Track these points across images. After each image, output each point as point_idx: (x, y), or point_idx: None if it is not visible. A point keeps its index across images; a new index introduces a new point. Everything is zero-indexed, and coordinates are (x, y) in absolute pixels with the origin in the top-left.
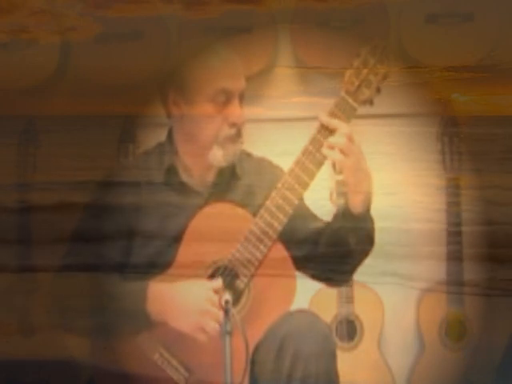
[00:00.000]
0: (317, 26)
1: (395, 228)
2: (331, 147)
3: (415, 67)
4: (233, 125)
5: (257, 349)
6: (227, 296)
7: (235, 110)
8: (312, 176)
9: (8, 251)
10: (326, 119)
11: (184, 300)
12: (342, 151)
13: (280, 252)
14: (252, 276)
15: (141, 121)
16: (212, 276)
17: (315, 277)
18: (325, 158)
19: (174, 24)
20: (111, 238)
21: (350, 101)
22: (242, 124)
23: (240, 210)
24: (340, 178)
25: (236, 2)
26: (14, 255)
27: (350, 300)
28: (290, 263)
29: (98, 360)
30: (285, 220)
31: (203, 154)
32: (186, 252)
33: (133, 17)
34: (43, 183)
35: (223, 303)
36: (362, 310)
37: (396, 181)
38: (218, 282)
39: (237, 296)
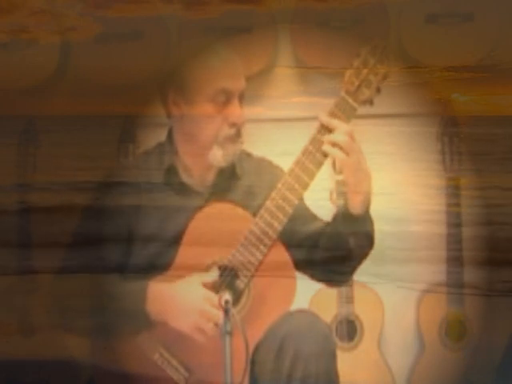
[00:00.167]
0: (317, 26)
1: (395, 229)
2: (332, 144)
3: (415, 67)
4: (233, 125)
5: (257, 349)
6: (227, 296)
7: (235, 110)
8: (312, 176)
9: (8, 253)
10: (326, 119)
11: (183, 300)
12: (342, 149)
13: (280, 252)
14: (252, 276)
15: (141, 121)
16: (212, 276)
17: (315, 277)
18: (325, 158)
19: (174, 24)
20: (111, 239)
21: (350, 101)
22: (241, 124)
23: (240, 210)
24: (340, 177)
25: (236, 1)
26: (14, 257)
27: (350, 300)
28: (290, 263)
29: (97, 360)
30: (285, 220)
31: (203, 154)
32: (185, 252)
33: (133, 17)
34: (43, 183)
35: (223, 303)
36: (361, 309)
37: (396, 181)
38: (216, 282)
39: (237, 296)
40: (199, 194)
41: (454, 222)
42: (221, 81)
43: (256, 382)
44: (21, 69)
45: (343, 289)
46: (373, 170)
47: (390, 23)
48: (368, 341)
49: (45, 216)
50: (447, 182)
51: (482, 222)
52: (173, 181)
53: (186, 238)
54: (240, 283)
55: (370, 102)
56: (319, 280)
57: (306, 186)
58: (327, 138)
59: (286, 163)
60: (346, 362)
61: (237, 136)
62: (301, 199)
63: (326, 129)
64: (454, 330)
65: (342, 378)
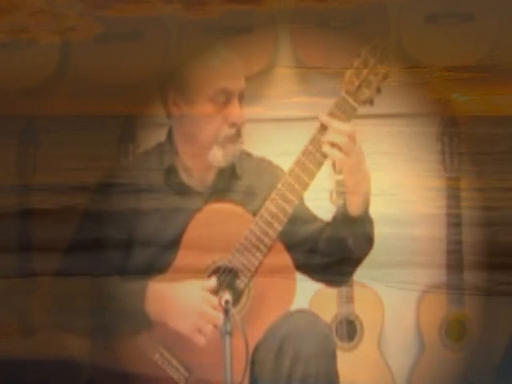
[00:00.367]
0: (317, 26)
1: (394, 230)
2: (331, 145)
3: (415, 67)
4: (232, 125)
5: (257, 349)
6: (227, 296)
7: (235, 110)
8: (312, 176)
9: (8, 255)
10: (325, 119)
11: (182, 301)
12: (342, 150)
13: (280, 252)
14: (252, 276)
15: (141, 121)
16: (212, 276)
17: (314, 277)
18: (325, 158)
19: (174, 24)
20: (111, 239)
21: (351, 101)
22: (241, 124)
23: (240, 210)
24: (340, 177)
25: (236, 1)
26: (14, 259)
27: (350, 300)
28: (290, 263)
29: (97, 360)
30: (285, 220)
31: (203, 154)
32: (185, 252)
33: (133, 17)
34: (43, 184)
35: (223, 303)
36: (361, 309)
37: (396, 181)
38: (215, 283)
39: (237, 296)
40: (199, 194)
41: (454, 222)
42: (221, 81)
43: (256, 381)
44: (21, 69)
45: (343, 289)
46: (373, 170)
47: (390, 23)
48: (368, 341)
49: (45, 217)
50: (447, 181)
51: (482, 222)
52: (173, 181)
53: (185, 238)
54: (240, 283)
55: (371, 102)
56: (319, 280)
57: (306, 186)
58: (326, 138)
59: (286, 163)
60: (346, 362)
61: (237, 136)
62: (301, 199)
63: (326, 129)
64: (454, 330)
65: (342, 378)
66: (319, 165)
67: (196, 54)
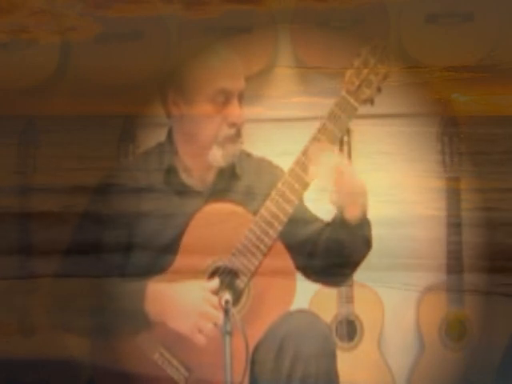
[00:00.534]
0: (317, 26)
1: (394, 231)
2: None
3: (415, 67)
4: (232, 125)
5: (257, 348)
6: (227, 296)
7: (234, 110)
8: (312, 176)
9: (7, 256)
10: (312, 153)
11: (182, 301)
12: (333, 184)
13: (280, 252)
14: (252, 276)
15: (141, 121)
16: (212, 276)
17: (313, 278)
18: None
19: (174, 24)
20: (111, 239)
21: (351, 100)
22: (241, 124)
23: (240, 210)
24: None
25: (236, 1)
26: (14, 261)
27: (349, 300)
28: (290, 263)
29: (97, 360)
30: (285, 220)
31: (203, 154)
32: (185, 252)
33: (133, 17)
34: (43, 184)
35: (223, 303)
36: (361, 309)
37: (396, 181)
38: (215, 283)
39: (237, 296)
40: (199, 194)
41: (454, 222)
42: (220, 81)
43: (256, 381)
44: (21, 69)
45: (343, 289)
46: (373, 170)
47: (390, 23)
48: (368, 341)
49: (44, 217)
50: (447, 181)
51: (482, 223)
52: (173, 181)
53: (185, 238)
54: (240, 283)
55: (371, 102)
56: (317, 281)
57: (306, 186)
58: (315, 173)
59: (286, 163)
60: (346, 362)
61: (236, 136)
62: (301, 199)
63: (327, 129)
64: (454, 330)
65: (341, 378)
66: None
67: (196, 54)
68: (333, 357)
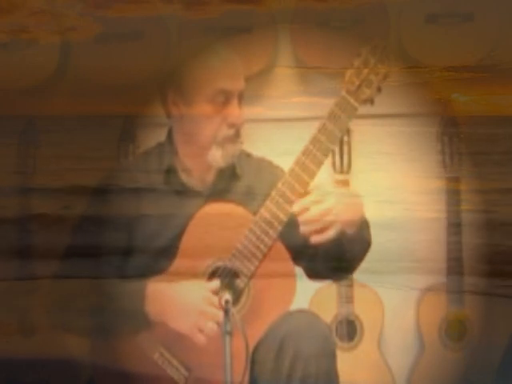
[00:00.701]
0: (317, 26)
1: (394, 233)
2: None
3: (415, 67)
4: (232, 125)
5: (257, 348)
6: (227, 296)
7: (234, 111)
8: (312, 176)
9: (7, 258)
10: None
11: (182, 300)
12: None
13: (280, 252)
14: (252, 275)
15: (141, 121)
16: (212, 276)
17: (313, 276)
18: (325, 157)
19: (174, 24)
20: (111, 240)
21: (351, 100)
22: (240, 124)
23: (240, 210)
24: (340, 177)
25: (236, 1)
26: (13, 261)
27: (349, 300)
28: (289, 263)
29: (97, 360)
30: (285, 220)
31: (203, 155)
32: (185, 253)
33: (133, 17)
34: (43, 184)
35: (223, 303)
36: (361, 310)
37: (396, 181)
38: (215, 283)
39: (237, 295)
40: (199, 194)
41: (454, 222)
42: (220, 81)
43: (256, 381)
44: (21, 69)
45: (343, 289)
46: (373, 170)
47: (390, 23)
48: (368, 341)
49: (44, 218)
50: (447, 181)
51: (482, 223)
52: (172, 181)
53: (185, 239)
54: (240, 283)
55: (371, 102)
56: (317, 278)
57: (306, 186)
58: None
59: (286, 163)
60: (346, 362)
61: (236, 136)
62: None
63: (327, 129)
64: (454, 330)
65: (341, 378)
66: (320, 164)
67: (196, 54)
68: (333, 357)
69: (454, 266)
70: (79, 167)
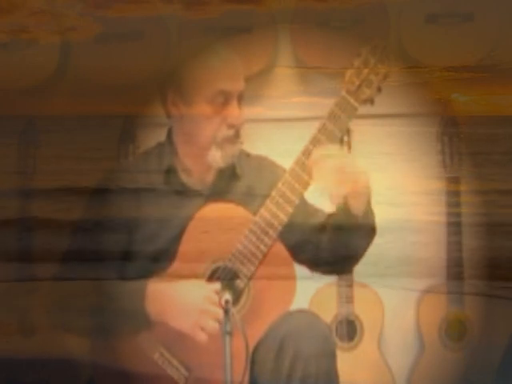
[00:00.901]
0: (317, 26)
1: (393, 236)
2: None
3: (415, 67)
4: (231, 126)
5: (257, 348)
6: (227, 296)
7: (234, 111)
8: (312, 175)
9: (7, 258)
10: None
11: (183, 299)
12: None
13: (280, 252)
14: (252, 276)
15: (141, 121)
16: (212, 276)
17: (319, 269)
18: None
19: (174, 24)
20: (110, 238)
21: (351, 100)
22: (240, 125)
23: (240, 210)
24: None
25: (236, 1)
26: (14, 263)
27: (349, 300)
28: (290, 263)
29: (98, 359)
30: (285, 220)
31: (202, 155)
32: (185, 252)
33: (133, 17)
34: (43, 184)
35: (223, 303)
36: (361, 310)
37: (396, 181)
38: (215, 283)
39: (237, 295)
40: (199, 194)
41: (454, 222)
42: (219, 82)
43: (256, 381)
44: (21, 69)
45: (343, 289)
46: (373, 170)
47: (390, 23)
48: (368, 341)
49: (44, 218)
50: (447, 181)
51: (482, 223)
52: (172, 181)
53: (185, 239)
54: (240, 283)
55: (371, 102)
56: (323, 272)
57: (306, 186)
58: (317, 174)
59: (286, 163)
60: (346, 362)
61: (235, 137)
62: (301, 199)
63: (327, 129)
64: (454, 330)
65: (341, 378)
66: None
67: (196, 54)
68: (333, 357)
69: (454, 267)
70: (79, 167)
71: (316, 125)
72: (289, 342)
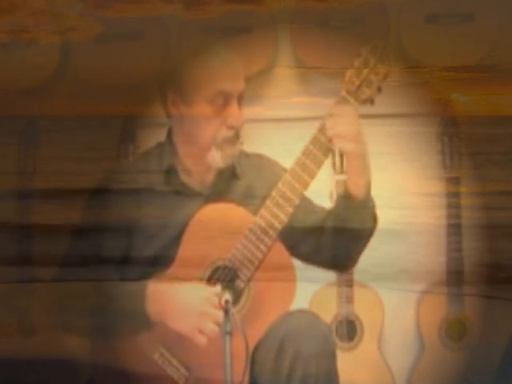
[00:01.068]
0: (317, 26)
1: (393, 238)
2: (341, 137)
3: (415, 67)
4: (231, 127)
5: (257, 348)
6: (227, 296)
7: (234, 112)
8: (313, 175)
9: (7, 259)
10: (334, 109)
11: (183, 301)
12: (351, 140)
13: (280, 252)
14: (252, 276)
15: (141, 121)
16: (212, 276)
17: (322, 265)
18: (326, 157)
19: (174, 24)
20: (111, 238)
21: (351, 100)
22: (240, 126)
23: (240, 210)
24: (340, 177)
25: (236, 1)
26: (14, 265)
27: (349, 300)
28: (290, 263)
29: (98, 359)
30: (285, 219)
31: (202, 155)
32: (185, 253)
33: (133, 17)
34: (43, 184)
35: (223, 303)
36: (361, 310)
37: (396, 181)
38: (215, 283)
39: (237, 296)
40: (199, 194)
41: (454, 222)
42: (219, 82)
43: (256, 381)
44: (21, 69)
45: (343, 289)
46: (373, 170)
47: (390, 23)
48: (368, 341)
49: (44, 218)
50: (447, 181)
51: (482, 223)
52: (172, 181)
53: (185, 239)
54: (240, 283)
55: (371, 102)
56: (326, 267)
57: (306, 186)
58: (334, 130)
59: (286, 163)
60: (346, 362)
61: (235, 138)
62: (301, 199)
63: (327, 128)
64: (454, 330)
65: (341, 378)
66: (320, 164)
67: (196, 54)
68: (333, 357)
69: (454, 268)
70: (79, 167)
71: (316, 125)
72: (289, 342)
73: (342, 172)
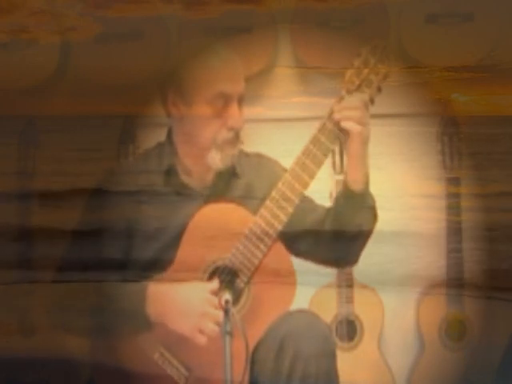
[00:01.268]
0: (317, 26)
1: (394, 240)
2: (350, 119)
3: (415, 67)
4: (231, 128)
5: (257, 348)
6: (227, 296)
7: (234, 114)
8: (312, 175)
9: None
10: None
11: (183, 301)
12: (359, 122)
13: (280, 251)
14: (252, 275)
15: (141, 121)
16: (212, 276)
17: (323, 262)
18: (325, 157)
19: (174, 24)
20: (110, 238)
21: None
22: (240, 128)
23: (240, 210)
24: (340, 177)
25: (236, 1)
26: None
27: (349, 300)
28: (289, 262)
29: (98, 359)
30: (285, 219)
31: (202, 156)
32: (185, 253)
33: (133, 17)
34: (43, 184)
35: (223, 303)
36: (361, 310)
37: (396, 181)
38: (215, 283)
39: (237, 295)
40: (199, 194)
41: (454, 222)
42: (219, 84)
43: (256, 381)
44: (21, 69)
45: (343, 289)
46: (373, 170)
47: (390, 23)
48: (368, 341)
49: (44, 218)
50: (447, 181)
51: (482, 223)
52: (172, 181)
53: (185, 239)
54: (240, 283)
55: (371, 102)
56: (328, 264)
57: (306, 186)
58: (343, 113)
59: (286, 163)
60: (346, 362)
61: (235, 139)
62: (301, 199)
63: (327, 128)
64: (454, 330)
65: (341, 378)
66: (320, 164)
67: (196, 54)
68: (333, 357)
69: (454, 269)
70: (79, 167)
71: (316, 125)
72: (289, 342)
73: (341, 172)
